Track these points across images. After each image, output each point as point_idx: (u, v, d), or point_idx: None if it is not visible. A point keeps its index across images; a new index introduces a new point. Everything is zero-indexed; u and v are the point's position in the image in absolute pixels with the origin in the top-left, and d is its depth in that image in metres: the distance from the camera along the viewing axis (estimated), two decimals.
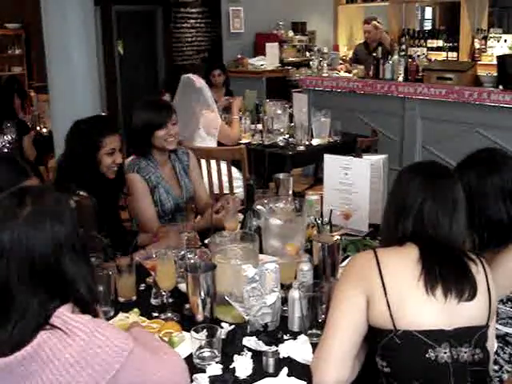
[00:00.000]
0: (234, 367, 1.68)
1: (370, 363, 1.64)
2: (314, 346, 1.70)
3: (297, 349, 1.76)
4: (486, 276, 1.63)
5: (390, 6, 8.23)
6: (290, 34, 8.58)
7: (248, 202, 2.55)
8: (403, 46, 6.65)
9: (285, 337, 1.85)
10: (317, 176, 5.18)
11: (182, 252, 2.26)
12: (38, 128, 5.57)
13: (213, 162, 4.08)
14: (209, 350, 1.72)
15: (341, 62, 7.09)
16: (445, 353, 1.52)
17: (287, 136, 4.62)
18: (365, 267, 1.62)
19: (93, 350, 1.27)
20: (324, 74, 6.40)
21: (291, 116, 4.89)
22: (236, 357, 1.72)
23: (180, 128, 4.41)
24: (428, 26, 9.49)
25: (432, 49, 7.98)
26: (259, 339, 1.79)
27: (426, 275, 1.57)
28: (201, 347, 1.72)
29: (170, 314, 2.00)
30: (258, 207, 2.45)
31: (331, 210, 2.55)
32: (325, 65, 6.54)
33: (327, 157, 2.84)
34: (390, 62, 5.68)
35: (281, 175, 3.00)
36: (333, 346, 1.57)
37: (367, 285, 1.59)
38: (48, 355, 1.25)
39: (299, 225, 2.38)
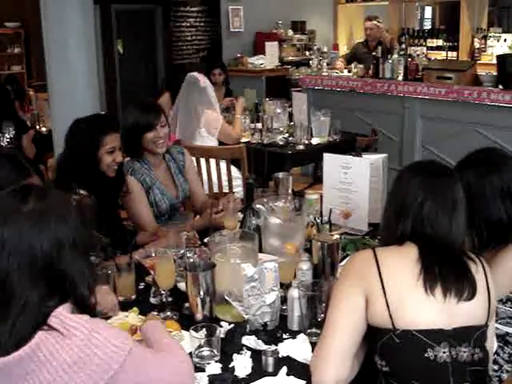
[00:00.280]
0: (233, 366, 1.68)
1: (369, 362, 1.64)
2: (314, 345, 1.70)
3: (296, 348, 1.76)
4: (486, 275, 1.63)
5: (389, 5, 8.24)
6: (290, 33, 8.58)
7: (247, 200, 2.55)
8: (403, 45, 6.65)
9: (284, 336, 1.85)
10: (316, 175, 5.18)
11: (182, 251, 2.26)
12: (38, 127, 5.56)
13: (212, 161, 4.08)
14: (208, 349, 1.72)
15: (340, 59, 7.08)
16: (444, 352, 1.52)
17: (287, 135, 4.62)
18: (364, 266, 1.62)
19: (90, 351, 1.26)
20: (324, 73, 6.40)
21: (291, 115, 4.89)
22: (235, 356, 1.72)
23: (181, 126, 4.46)
24: (428, 25, 9.49)
25: (432, 48, 7.99)
26: (258, 338, 1.79)
27: (426, 274, 1.56)
28: (200, 346, 1.72)
29: (169, 313, 2.00)
30: (258, 206, 2.44)
31: (331, 209, 2.55)
32: (324, 64, 6.54)
33: (327, 156, 2.83)
34: (390, 61, 5.68)
35: (280, 174, 3.00)
36: (332, 345, 1.57)
37: (366, 284, 1.59)
38: (45, 355, 1.25)
39: (299, 224, 2.38)
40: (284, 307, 1.94)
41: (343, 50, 8.50)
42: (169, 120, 4.57)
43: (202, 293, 1.90)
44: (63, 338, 1.26)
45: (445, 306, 1.55)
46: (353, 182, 2.71)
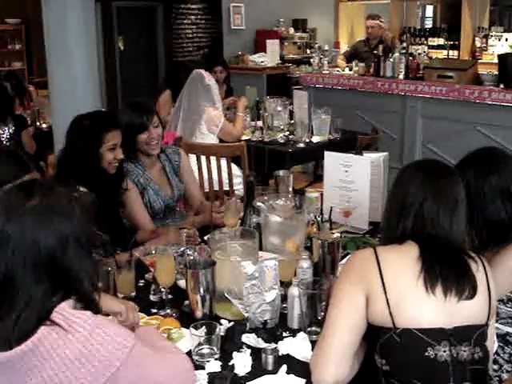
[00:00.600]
0: (233, 364, 1.68)
1: (369, 361, 1.64)
2: (314, 343, 1.69)
3: (296, 346, 1.76)
4: (486, 275, 1.63)
5: (391, 3, 8.23)
6: (291, 30, 8.57)
7: (248, 198, 2.55)
8: (404, 44, 6.65)
9: (284, 334, 1.85)
10: (316, 173, 5.18)
11: (182, 248, 2.25)
12: (38, 123, 5.56)
13: (213, 159, 4.08)
14: (208, 346, 1.72)
15: (340, 56, 7.07)
16: (444, 351, 1.52)
17: (287, 133, 4.62)
18: (364, 265, 1.62)
19: (93, 346, 1.27)
20: (324, 72, 6.39)
21: (291, 113, 4.89)
22: (235, 354, 1.72)
23: (182, 122, 4.46)
24: (429, 24, 9.47)
25: (433, 47, 7.98)
26: (258, 336, 1.79)
27: (426, 273, 1.56)
28: (200, 344, 1.72)
29: (169, 311, 2.00)
30: (258, 204, 2.44)
31: (331, 208, 2.54)
32: (325, 62, 6.53)
33: (327, 154, 2.83)
34: (391, 59, 5.68)
35: (281, 172, 3.00)
36: (332, 343, 1.57)
37: (367, 283, 1.58)
38: (48, 350, 1.25)
39: (299, 222, 2.38)
40: (284, 305, 1.94)
41: (344, 48, 8.49)
42: (170, 117, 4.61)
43: (202, 290, 1.90)
44: (66, 334, 1.26)
45: (445, 304, 1.55)
46: (353, 181, 2.71)
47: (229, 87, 5.88)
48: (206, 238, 2.43)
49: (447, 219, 1.63)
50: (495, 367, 1.79)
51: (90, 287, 1.38)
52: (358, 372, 1.63)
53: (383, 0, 8.42)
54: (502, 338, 1.88)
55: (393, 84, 5.50)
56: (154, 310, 2.02)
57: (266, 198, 2.52)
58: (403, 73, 5.58)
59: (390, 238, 1.70)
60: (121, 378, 1.29)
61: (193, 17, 8.20)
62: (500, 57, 5.35)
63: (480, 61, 6.90)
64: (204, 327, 1.74)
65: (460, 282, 1.57)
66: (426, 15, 9.64)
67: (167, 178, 3.05)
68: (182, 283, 2.09)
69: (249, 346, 1.76)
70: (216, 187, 4.11)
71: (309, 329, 1.83)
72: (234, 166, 4.21)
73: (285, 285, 1.99)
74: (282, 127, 4.67)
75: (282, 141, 4.47)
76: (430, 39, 8.11)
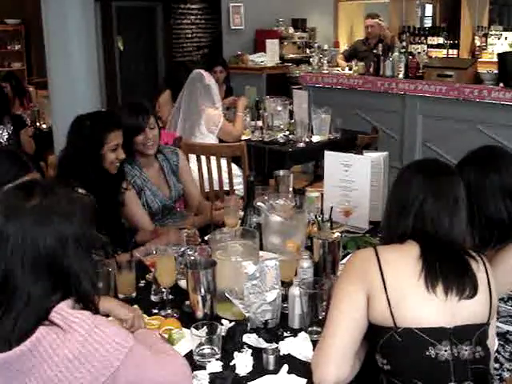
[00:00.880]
0: (234, 364, 1.68)
1: (370, 361, 1.64)
2: (315, 343, 1.70)
3: (297, 346, 1.76)
4: (487, 273, 1.63)
5: (390, 2, 8.23)
6: (291, 30, 8.56)
7: (248, 198, 2.55)
8: (404, 43, 6.64)
9: (285, 334, 1.85)
10: (316, 173, 5.18)
11: (182, 249, 2.25)
12: (38, 124, 5.55)
13: (213, 159, 4.08)
14: (209, 346, 1.72)
15: (339, 56, 7.07)
16: (445, 350, 1.52)
17: (287, 133, 4.62)
18: (365, 264, 1.62)
19: (92, 346, 1.26)
20: (324, 71, 6.39)
21: (291, 113, 4.89)
22: (236, 354, 1.72)
23: (182, 122, 4.45)
24: (428, 23, 9.48)
25: (432, 46, 7.98)
26: (259, 336, 1.79)
27: (427, 273, 1.56)
28: (201, 344, 1.71)
29: (169, 311, 2.00)
30: (258, 204, 2.44)
31: (331, 207, 2.54)
32: (325, 62, 6.52)
33: (328, 154, 2.83)
34: (391, 58, 5.67)
35: (281, 172, 3.00)
36: (333, 343, 1.57)
37: (367, 282, 1.59)
38: (47, 350, 1.25)
39: (299, 222, 2.38)
40: (285, 305, 1.94)
41: (344, 47, 8.50)
42: (169, 117, 4.61)
43: (202, 291, 1.90)
44: (64, 334, 1.26)
45: (446, 304, 1.55)
46: (354, 180, 2.70)
47: (228, 87, 5.88)
48: (206, 238, 2.43)
49: (447, 219, 1.64)
50: (496, 366, 1.79)
51: (89, 287, 1.38)
52: (359, 372, 1.63)
53: None
54: (502, 336, 1.88)
55: (392, 83, 5.49)
56: (155, 311, 2.02)
57: (266, 197, 2.51)
58: (403, 72, 5.57)
59: (391, 237, 1.70)
60: (120, 378, 1.29)
61: (192, 17, 8.19)
62: (500, 55, 5.35)
63: (479, 59, 6.91)
64: (205, 327, 1.74)
65: (461, 282, 1.57)
66: (426, 14, 9.65)
67: (165, 178, 3.05)
68: (182, 283, 2.09)
69: (250, 346, 1.76)
70: (216, 187, 4.11)
71: (310, 329, 1.83)
72: (234, 166, 4.21)
73: (285, 285, 1.99)
74: (281, 127, 4.67)
75: (281, 140, 4.47)
76: (429, 38, 8.11)
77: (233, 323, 1.87)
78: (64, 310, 1.30)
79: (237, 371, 1.65)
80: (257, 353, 1.72)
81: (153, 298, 2.11)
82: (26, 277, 1.29)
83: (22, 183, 1.42)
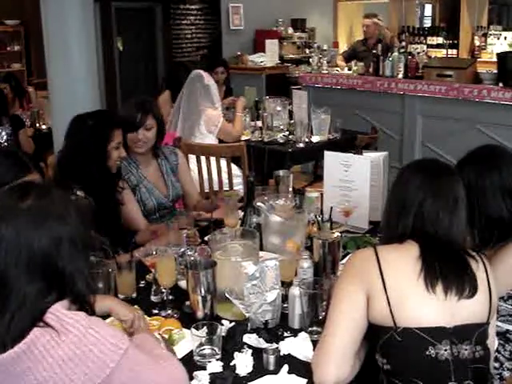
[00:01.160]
0: (234, 364, 1.68)
1: (370, 361, 1.64)
2: (315, 343, 1.70)
3: (297, 346, 1.76)
4: (487, 273, 1.63)
5: (390, 2, 8.23)
6: (290, 30, 8.57)
7: (248, 198, 2.55)
8: (403, 43, 6.65)
9: (285, 334, 1.85)
10: (316, 173, 5.18)
11: (182, 249, 2.26)
12: (38, 125, 5.56)
13: (212, 159, 4.08)
14: (209, 347, 1.72)
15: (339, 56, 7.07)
16: (445, 350, 1.52)
17: (287, 133, 4.62)
18: (365, 264, 1.62)
19: (86, 347, 1.26)
20: (324, 71, 6.39)
21: (291, 113, 4.89)
22: (236, 354, 1.72)
23: (182, 122, 4.45)
24: (428, 22, 9.49)
25: (432, 46, 7.99)
26: (260, 336, 1.79)
27: (427, 272, 1.57)
28: (201, 344, 1.72)
29: (170, 311, 2.00)
30: (258, 204, 2.44)
31: (331, 207, 2.54)
32: (324, 62, 6.52)
33: (327, 154, 2.83)
34: (390, 59, 5.67)
35: (281, 172, 3.00)
36: (333, 343, 1.57)
37: (367, 282, 1.59)
38: (41, 352, 1.24)
39: (299, 222, 2.38)
40: (285, 305, 1.94)
41: (343, 47, 8.50)
42: (169, 117, 4.61)
43: (202, 291, 1.90)
44: (59, 335, 1.26)
45: (446, 303, 1.55)
46: (353, 180, 2.71)
47: (228, 88, 5.88)
48: (206, 238, 2.44)
49: (447, 218, 1.64)
50: (496, 365, 1.79)
51: (84, 288, 1.37)
52: (359, 372, 1.63)
53: None
54: (502, 335, 1.88)
55: (392, 83, 5.49)
56: (155, 311, 2.02)
57: (266, 197, 2.51)
58: (402, 72, 5.58)
59: (391, 237, 1.70)
60: (114, 380, 1.28)
61: (192, 17, 8.19)
62: (499, 55, 5.35)
63: (479, 59, 6.91)
64: (205, 328, 1.74)
65: (460, 281, 1.57)
66: (425, 14, 9.65)
67: (163, 176, 3.05)
68: (182, 284, 2.09)
69: (250, 346, 1.76)
70: (216, 187, 4.12)
71: (310, 329, 1.83)
72: (233, 166, 4.21)
73: (285, 285, 1.99)
74: (281, 127, 4.67)
75: (281, 141, 4.48)
76: (428, 38, 8.12)
77: (233, 323, 1.87)
78: (59, 311, 1.29)
79: (237, 371, 1.65)
80: (257, 353, 1.72)
81: (153, 298, 2.11)
82: (21, 277, 1.29)
83: (17, 185, 1.42)
